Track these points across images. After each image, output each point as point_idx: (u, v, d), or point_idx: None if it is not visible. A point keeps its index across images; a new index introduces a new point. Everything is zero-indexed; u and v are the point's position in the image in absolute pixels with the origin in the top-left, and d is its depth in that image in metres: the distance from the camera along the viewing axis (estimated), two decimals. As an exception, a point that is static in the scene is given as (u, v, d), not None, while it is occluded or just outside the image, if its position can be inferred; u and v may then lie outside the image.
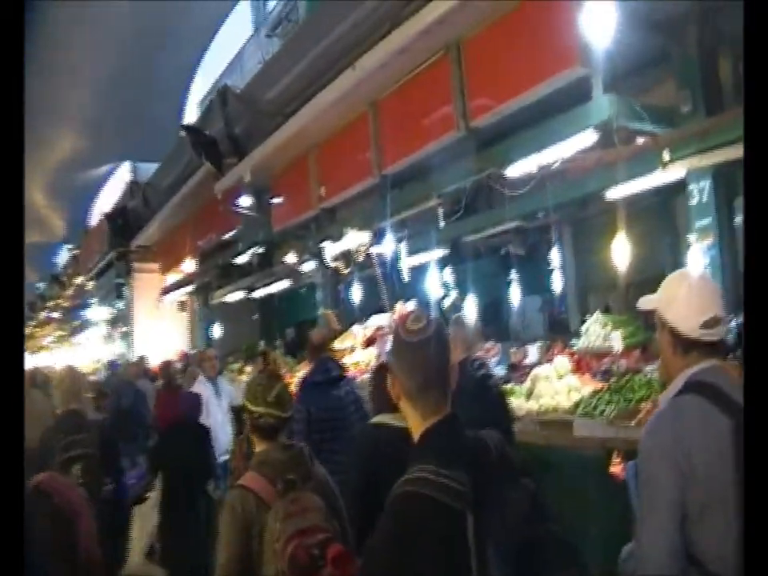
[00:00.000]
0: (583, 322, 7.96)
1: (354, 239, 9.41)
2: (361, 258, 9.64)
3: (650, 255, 8.60)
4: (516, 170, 7.22)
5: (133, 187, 18.73)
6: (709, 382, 2.23)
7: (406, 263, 9.26)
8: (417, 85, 8.23)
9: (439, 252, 9.48)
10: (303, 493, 2.67)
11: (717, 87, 6.67)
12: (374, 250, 9.49)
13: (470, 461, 1.87)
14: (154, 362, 12.56)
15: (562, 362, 6.58)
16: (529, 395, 6.36)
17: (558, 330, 10.33)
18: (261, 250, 12.15)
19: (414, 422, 1.95)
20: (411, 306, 9.52)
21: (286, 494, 2.65)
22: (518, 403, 6.17)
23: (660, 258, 9.15)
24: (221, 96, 12.00)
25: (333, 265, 10.37)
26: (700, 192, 6.61)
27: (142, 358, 12.83)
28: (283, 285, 13.97)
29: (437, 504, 1.77)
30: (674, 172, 6.67)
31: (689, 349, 2.30)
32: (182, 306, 18.22)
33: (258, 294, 15.03)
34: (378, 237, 9.26)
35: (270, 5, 20.09)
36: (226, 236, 13.50)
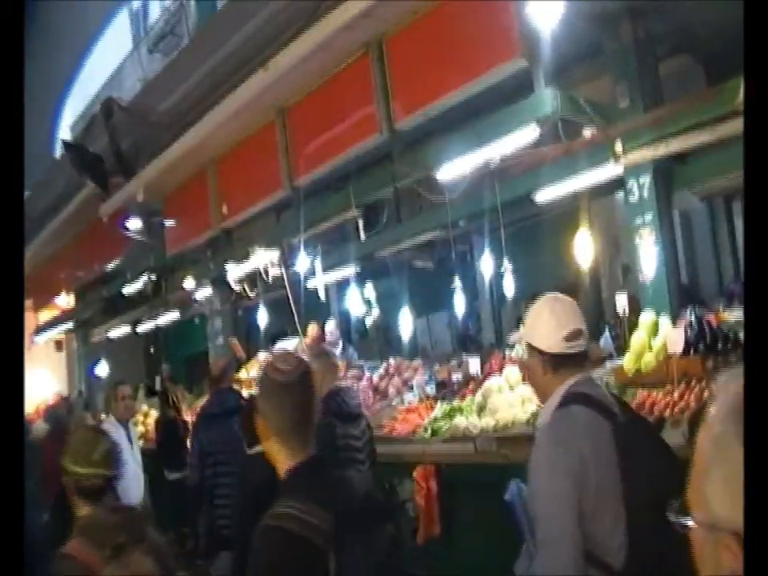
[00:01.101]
0: (498, 335, 7.60)
1: (262, 258, 8.65)
2: (270, 279, 8.86)
3: (566, 263, 8.37)
4: (447, 172, 6.74)
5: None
6: (583, 392, 2.46)
7: (322, 281, 8.57)
8: (333, 87, 7.56)
9: (358, 267, 8.84)
10: (135, 556, 2.21)
11: (653, 81, 6.41)
12: (284, 270, 8.76)
13: (334, 501, 1.94)
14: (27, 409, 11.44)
15: (512, 372, 6.02)
16: (480, 411, 5.77)
17: (469, 347, 9.99)
18: (153, 277, 11.11)
19: (281, 459, 2.06)
20: (329, 326, 8.90)
21: (115, 559, 2.17)
22: (470, 421, 5.59)
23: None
24: (104, 109, 10.99)
25: (237, 288, 9.53)
26: (640, 188, 6.29)
27: None
28: (172, 316, 12.98)
29: (299, 539, 1.84)
30: (610, 169, 6.37)
31: (557, 366, 2.49)
32: (59, 345, 16.73)
33: (145, 327, 13.95)
34: (289, 254, 8.55)
35: (152, 18, 19.09)
36: (111, 265, 12.39)
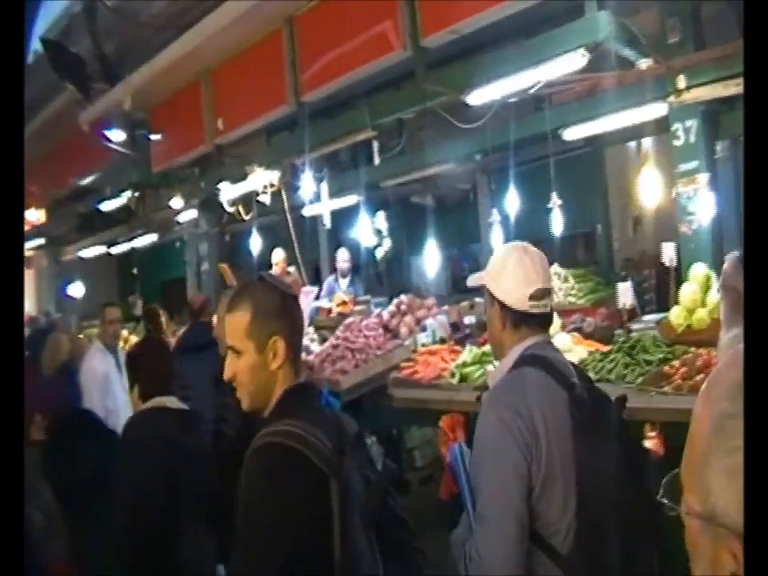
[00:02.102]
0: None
1: (260, 179, 7.97)
2: (267, 202, 8.20)
3: (580, 210, 7.99)
4: (478, 97, 6.13)
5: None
6: (542, 356, 2.28)
7: (328, 206, 7.94)
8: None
9: (364, 195, 8.22)
10: None
11: (700, 22, 5.80)
12: (284, 192, 8.13)
13: (332, 430, 1.84)
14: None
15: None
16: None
17: (462, 290, 9.54)
18: (135, 195, 10.35)
19: (280, 383, 1.94)
20: (342, 254, 8.33)
21: None
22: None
23: (590, 213, 8.54)
24: (87, 8, 10.06)
25: (231, 210, 8.84)
26: (686, 132, 5.76)
27: None
28: (150, 239, 12.30)
29: (303, 459, 1.71)
30: (655, 108, 5.87)
31: (518, 323, 2.32)
32: (27, 262, 15.88)
33: (120, 249, 13.25)
34: (290, 176, 7.89)
35: None
36: (89, 179, 11.59)
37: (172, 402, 3.16)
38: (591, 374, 4.82)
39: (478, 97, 6.14)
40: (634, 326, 5.53)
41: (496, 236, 7.12)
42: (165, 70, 8.63)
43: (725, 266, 2.75)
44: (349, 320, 6.76)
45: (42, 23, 13.06)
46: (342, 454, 1.78)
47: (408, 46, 6.30)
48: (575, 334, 5.49)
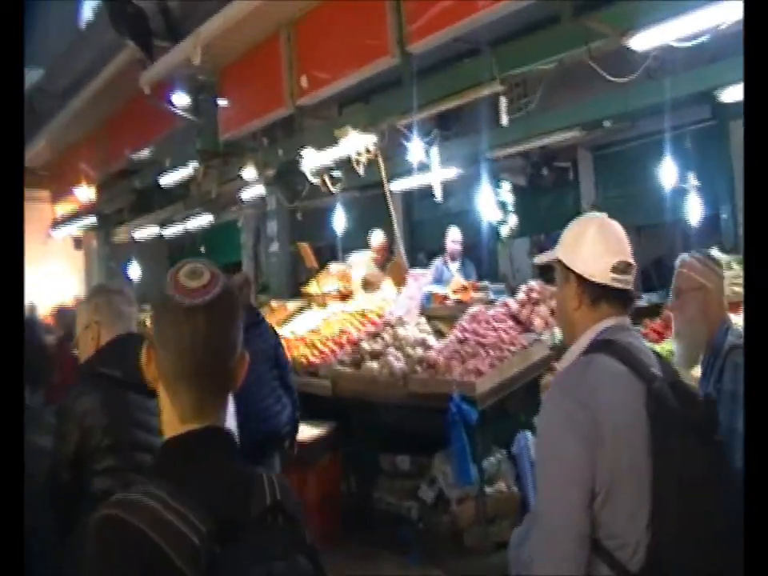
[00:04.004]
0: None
1: (355, 144, 6.77)
2: (361, 171, 6.99)
3: (702, 191, 6.88)
4: (642, 42, 4.93)
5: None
6: (618, 341, 2.04)
7: (439, 176, 6.72)
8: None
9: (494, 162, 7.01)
10: None
11: None
12: (381, 160, 6.92)
13: (229, 499, 1.32)
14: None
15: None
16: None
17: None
18: (200, 165, 9.19)
19: (168, 420, 1.40)
20: (453, 233, 7.12)
21: None
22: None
23: (714, 194, 7.35)
24: (150, -41, 8.96)
25: (316, 181, 7.66)
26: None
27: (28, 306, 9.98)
28: (205, 220, 11.23)
29: (149, 550, 1.19)
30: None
31: (597, 299, 2.11)
32: (78, 242, 14.89)
33: (172, 231, 12.20)
34: (390, 140, 6.68)
35: None
36: (146, 151, 10.48)
37: None
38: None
39: (642, 41, 4.93)
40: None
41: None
42: (239, 21, 7.47)
43: (686, 267, 2.91)
44: (473, 309, 5.68)
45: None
46: (229, 540, 1.24)
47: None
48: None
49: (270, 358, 5.16)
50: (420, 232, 9.74)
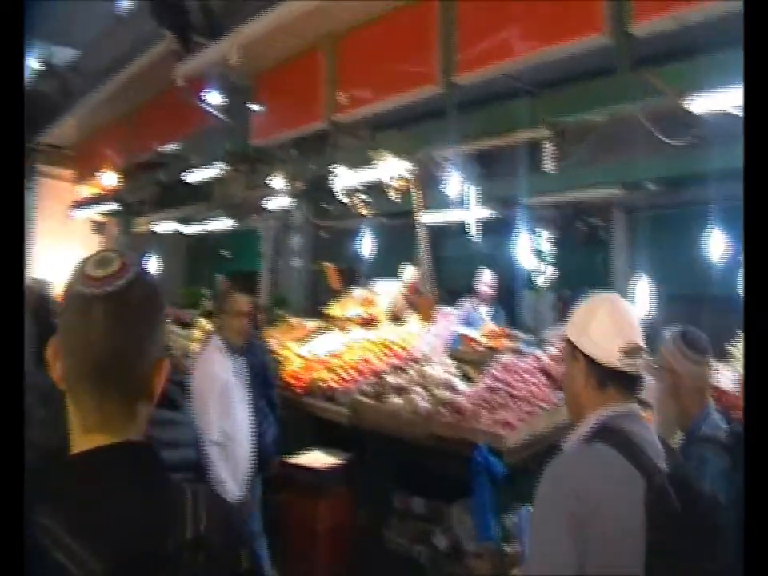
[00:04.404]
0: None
1: (391, 169, 6.45)
2: (394, 197, 6.67)
3: None
4: (702, 105, 4.67)
5: (47, 69, 14.80)
6: (622, 430, 1.99)
7: (475, 214, 6.40)
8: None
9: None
10: None
11: None
12: (417, 189, 6.60)
13: (134, 533, 1.12)
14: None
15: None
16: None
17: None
18: (227, 168, 8.90)
19: (73, 430, 1.24)
20: (485, 276, 6.81)
21: None
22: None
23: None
24: (195, -47, 8.65)
25: (347, 201, 7.35)
26: None
27: (42, 282, 9.76)
28: (227, 223, 10.98)
29: None
30: None
31: (605, 381, 2.07)
32: (98, 227, 14.63)
33: (194, 229, 11.95)
34: (428, 171, 6.35)
35: None
36: (176, 145, 10.19)
37: None
38: None
39: (701, 104, 4.62)
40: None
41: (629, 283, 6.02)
42: (281, 27, 7.17)
43: (664, 343, 2.83)
44: (504, 358, 5.47)
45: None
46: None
47: (612, 32, 4.79)
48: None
49: (259, 374, 5.06)
50: (444, 269, 9.42)
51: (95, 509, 1.13)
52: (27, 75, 17.22)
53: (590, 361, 2.08)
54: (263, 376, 5.18)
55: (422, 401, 5.25)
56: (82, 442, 1.22)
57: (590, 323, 2.10)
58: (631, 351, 2.05)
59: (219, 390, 4.26)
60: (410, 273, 7.73)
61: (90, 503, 1.14)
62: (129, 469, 1.20)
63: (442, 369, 5.66)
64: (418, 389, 5.42)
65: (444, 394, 5.30)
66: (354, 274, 8.78)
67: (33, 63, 18.36)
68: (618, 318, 2.09)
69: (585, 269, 8.39)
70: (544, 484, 1.97)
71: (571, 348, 2.15)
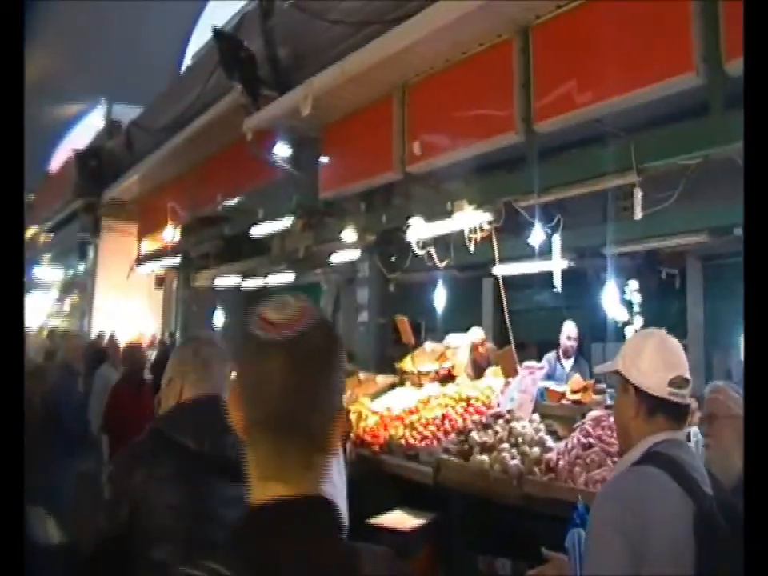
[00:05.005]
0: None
1: (469, 220, 6.25)
2: (471, 248, 6.46)
3: None
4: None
5: (113, 125, 15.09)
6: (671, 456, 2.06)
7: (559, 264, 6.16)
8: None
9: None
10: None
11: None
12: (495, 239, 6.39)
13: None
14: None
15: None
16: None
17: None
18: (293, 222, 8.80)
19: (252, 477, 1.19)
20: (568, 328, 6.55)
21: None
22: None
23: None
24: (264, 5, 8.71)
25: (421, 253, 7.17)
26: None
27: (99, 336, 9.76)
28: (287, 277, 10.88)
29: None
30: None
31: (654, 411, 2.16)
32: (159, 282, 14.68)
33: (252, 284, 11.90)
34: (507, 220, 6.13)
35: None
36: (239, 198, 10.16)
37: None
38: None
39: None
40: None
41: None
42: (353, 77, 7.05)
43: (721, 393, 2.90)
44: (595, 413, 5.16)
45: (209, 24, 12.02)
46: None
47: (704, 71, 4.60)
48: None
49: None
50: (522, 320, 9.17)
51: (272, 561, 1.10)
52: (92, 133, 17.67)
53: (640, 392, 2.18)
54: None
55: (512, 460, 5.03)
56: (259, 489, 1.18)
57: (639, 356, 2.20)
58: (679, 383, 2.16)
59: None
60: (477, 334, 7.48)
61: (268, 554, 1.11)
62: (310, 521, 1.17)
63: (532, 426, 5.41)
64: (508, 447, 5.21)
65: (536, 452, 5.09)
66: (425, 328, 8.58)
67: (97, 121, 18.86)
68: (666, 352, 2.20)
69: (660, 318, 8.04)
70: (599, 504, 2.06)
71: (622, 380, 2.25)
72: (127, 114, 15.30)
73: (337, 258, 9.10)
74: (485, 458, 5.24)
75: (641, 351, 2.22)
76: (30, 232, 20.60)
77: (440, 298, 7.75)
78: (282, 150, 8.34)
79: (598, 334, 7.98)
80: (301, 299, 1.24)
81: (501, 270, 6.86)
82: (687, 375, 2.18)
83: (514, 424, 5.46)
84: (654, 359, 2.19)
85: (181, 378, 2.41)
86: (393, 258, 8.01)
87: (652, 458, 2.08)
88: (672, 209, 5.50)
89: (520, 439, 5.28)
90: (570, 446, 5.00)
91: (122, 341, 10.00)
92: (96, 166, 14.10)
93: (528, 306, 9.26)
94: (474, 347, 7.09)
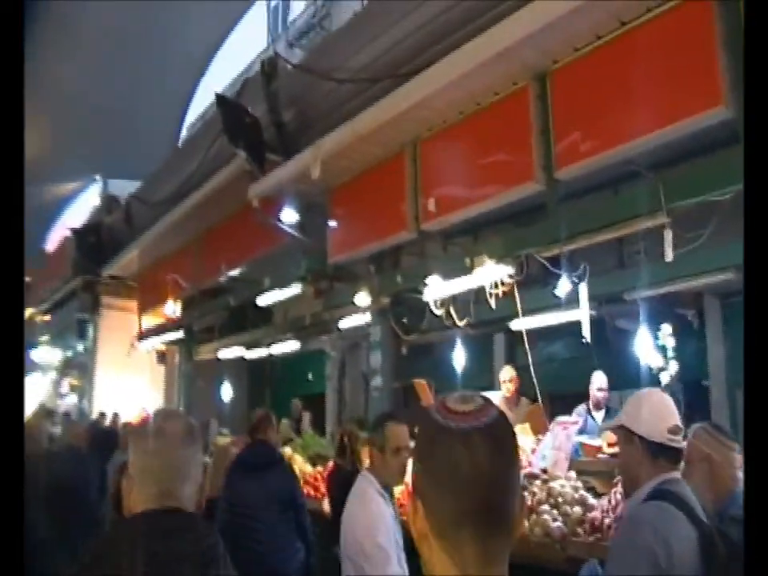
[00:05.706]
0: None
1: (490, 274, 6.03)
2: (493, 304, 6.21)
3: None
4: None
5: (110, 201, 14.98)
6: (675, 492, 2.40)
7: (587, 313, 5.92)
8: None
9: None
10: None
11: None
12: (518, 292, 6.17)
13: None
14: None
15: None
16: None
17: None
18: (303, 287, 8.57)
19: None
20: (598, 378, 6.30)
21: None
22: None
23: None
24: (267, 68, 8.64)
25: (440, 312, 6.91)
26: None
27: (101, 415, 9.49)
28: (290, 346, 10.64)
29: None
30: None
31: (657, 455, 2.50)
32: (161, 357, 14.35)
33: (256, 354, 11.64)
34: (529, 272, 5.91)
35: (295, 10, 17.94)
36: (244, 268, 9.94)
37: None
38: None
39: None
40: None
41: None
42: (363, 137, 6.91)
43: (694, 436, 3.08)
44: None
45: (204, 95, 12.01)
46: None
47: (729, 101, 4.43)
48: None
49: (285, 501, 5.06)
50: (549, 373, 8.91)
51: None
52: (89, 211, 17.58)
53: (644, 440, 2.53)
54: (291, 500, 5.09)
55: (554, 522, 4.79)
56: None
57: (640, 410, 2.58)
58: (675, 430, 2.53)
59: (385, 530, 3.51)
60: (507, 372, 7.28)
61: None
62: None
63: (570, 485, 5.10)
64: (548, 509, 4.95)
65: (578, 511, 4.86)
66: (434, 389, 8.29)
67: (93, 198, 18.80)
68: (662, 405, 2.60)
69: (680, 361, 7.80)
70: (625, 534, 2.39)
71: (627, 432, 2.59)
72: (124, 188, 15.21)
73: (346, 323, 8.86)
74: (524, 521, 4.94)
75: (642, 405, 2.60)
76: (27, 313, 20.30)
77: (458, 358, 7.48)
78: (289, 216, 8.14)
79: (622, 384, 7.70)
80: (478, 394, 1.23)
81: (523, 323, 6.61)
82: (680, 423, 2.55)
83: (552, 484, 5.19)
84: (653, 411, 2.56)
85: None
86: (404, 320, 7.74)
87: (659, 494, 2.41)
88: (706, 247, 5.30)
89: (560, 499, 5.03)
90: (613, 502, 4.75)
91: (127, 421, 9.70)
92: (95, 242, 13.89)
93: (568, 355, 9.04)
94: (509, 384, 7.00)
